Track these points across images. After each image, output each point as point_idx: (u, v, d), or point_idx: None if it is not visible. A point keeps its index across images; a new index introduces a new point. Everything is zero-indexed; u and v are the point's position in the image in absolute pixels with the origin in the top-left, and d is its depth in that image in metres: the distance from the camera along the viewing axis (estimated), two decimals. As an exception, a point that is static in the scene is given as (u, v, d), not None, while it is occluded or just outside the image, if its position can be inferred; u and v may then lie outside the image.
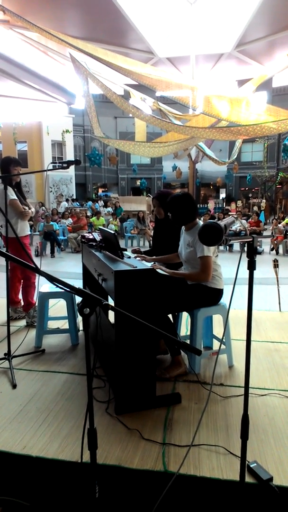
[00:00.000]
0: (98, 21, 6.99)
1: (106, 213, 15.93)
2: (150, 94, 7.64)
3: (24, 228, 3.78)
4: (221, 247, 10.95)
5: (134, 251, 3.20)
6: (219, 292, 2.78)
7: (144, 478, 1.80)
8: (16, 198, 3.61)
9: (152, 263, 2.78)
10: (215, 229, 1.28)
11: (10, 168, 3.60)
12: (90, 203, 20.17)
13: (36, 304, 3.69)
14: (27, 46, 6.68)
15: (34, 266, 1.21)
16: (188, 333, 3.05)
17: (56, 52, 6.90)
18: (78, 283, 3.80)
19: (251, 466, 1.78)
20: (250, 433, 1.54)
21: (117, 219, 14.55)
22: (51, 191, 21.52)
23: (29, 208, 3.80)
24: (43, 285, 3.49)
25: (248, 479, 1.70)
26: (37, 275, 3.58)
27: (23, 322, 3.85)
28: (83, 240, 3.52)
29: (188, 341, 2.93)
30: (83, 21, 7.08)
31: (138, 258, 2.80)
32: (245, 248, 1.43)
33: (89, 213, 15.80)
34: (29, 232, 3.91)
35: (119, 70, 4.83)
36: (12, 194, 3.59)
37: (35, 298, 3.70)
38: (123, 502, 1.82)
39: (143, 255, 3.06)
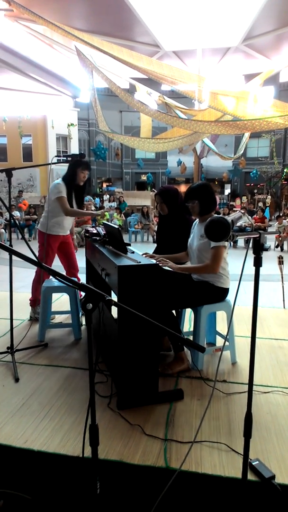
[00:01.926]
0: (104, 14, 6.91)
1: (108, 208, 15.90)
2: (156, 87, 7.57)
3: (57, 227, 3.63)
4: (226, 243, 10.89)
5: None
6: (225, 291, 2.76)
7: (145, 474, 1.80)
8: (65, 195, 3.50)
9: (160, 259, 2.74)
10: (222, 224, 1.25)
11: (77, 170, 3.52)
12: (97, 199, 20.12)
13: None
14: (33, 39, 6.64)
15: (36, 260, 1.19)
16: (192, 329, 3.04)
17: (61, 45, 6.84)
18: (82, 278, 3.81)
19: (253, 463, 1.77)
20: (252, 430, 1.53)
21: (121, 214, 14.53)
22: (55, 185, 21.50)
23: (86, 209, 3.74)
24: (46, 279, 3.49)
25: (250, 476, 1.69)
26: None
27: (28, 316, 3.85)
28: (87, 234, 3.50)
29: (191, 337, 2.91)
30: (89, 13, 7.01)
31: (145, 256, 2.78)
32: (251, 244, 1.40)
33: (93, 208, 15.78)
34: (63, 234, 3.73)
35: (125, 63, 4.78)
36: (61, 191, 3.49)
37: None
38: (124, 498, 1.82)
39: (151, 254, 3.01)
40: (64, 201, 3.52)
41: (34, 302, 3.78)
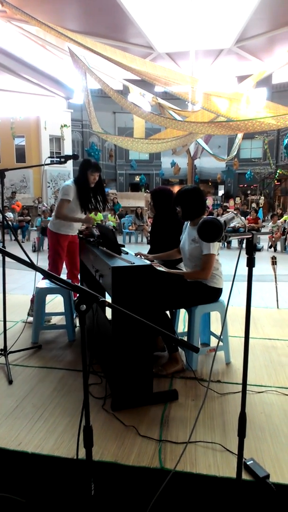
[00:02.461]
0: (97, 15, 6.92)
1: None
2: (149, 89, 7.59)
3: (66, 227, 3.61)
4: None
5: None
6: (218, 291, 2.77)
7: (140, 475, 1.80)
8: (69, 199, 3.46)
9: (153, 261, 2.76)
10: (215, 225, 1.26)
11: (87, 172, 3.48)
12: None
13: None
14: (25, 40, 6.62)
15: (30, 262, 1.19)
16: (186, 329, 3.05)
17: (54, 46, 6.83)
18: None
19: (247, 463, 1.77)
20: (247, 430, 1.53)
21: (115, 215, 14.51)
22: (49, 187, 21.44)
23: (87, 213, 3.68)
24: (39, 281, 3.47)
25: (244, 476, 1.70)
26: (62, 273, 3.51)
27: (22, 318, 3.83)
28: (81, 236, 3.50)
29: (185, 338, 2.92)
30: (82, 15, 7.01)
31: (138, 256, 2.78)
32: (244, 245, 1.41)
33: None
34: (72, 234, 3.71)
35: (118, 64, 4.79)
36: (67, 194, 3.45)
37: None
38: (119, 499, 1.82)
39: (144, 254, 3.02)
40: (62, 204, 3.49)
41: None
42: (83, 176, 3.50)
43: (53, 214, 3.72)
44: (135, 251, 2.92)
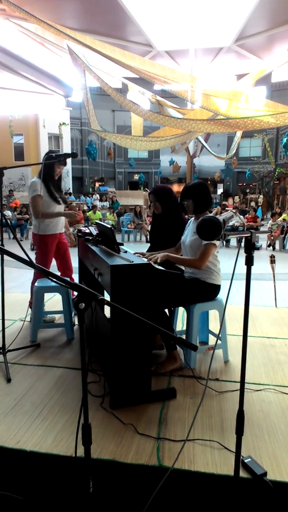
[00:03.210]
0: (96, 13, 6.89)
1: (101, 207, 15.87)
2: (148, 87, 7.57)
3: (52, 226, 3.59)
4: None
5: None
6: (217, 288, 2.78)
7: (138, 473, 1.80)
8: (39, 193, 3.41)
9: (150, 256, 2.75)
10: (214, 224, 1.26)
11: (55, 165, 3.46)
12: (88, 198, 20.07)
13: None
14: (24, 37, 6.59)
15: (28, 260, 1.19)
16: (184, 328, 3.05)
17: (53, 44, 6.81)
18: (74, 278, 3.79)
19: (245, 461, 1.78)
20: (244, 428, 1.54)
21: (114, 213, 14.51)
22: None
23: (66, 204, 3.63)
24: (38, 279, 3.47)
25: (242, 474, 1.71)
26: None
27: (20, 316, 3.83)
28: (80, 234, 3.49)
29: (184, 336, 2.92)
30: (81, 12, 6.98)
31: (137, 255, 2.78)
32: (243, 244, 1.42)
33: (85, 208, 15.75)
34: (60, 231, 3.70)
35: (117, 62, 4.78)
36: (36, 189, 3.42)
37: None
38: (118, 497, 1.82)
39: (142, 252, 3.01)
40: (37, 201, 3.42)
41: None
42: (50, 168, 3.47)
43: (32, 217, 3.65)
44: (134, 250, 2.92)
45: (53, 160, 3.19)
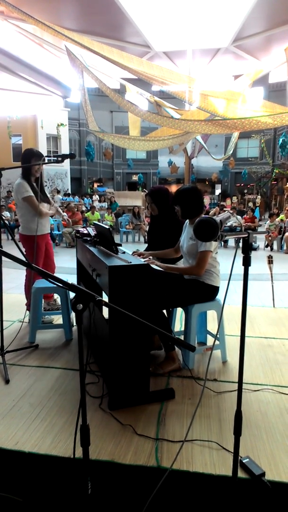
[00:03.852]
0: (94, 14, 6.90)
1: (99, 208, 15.87)
2: (146, 88, 7.58)
3: (41, 226, 3.60)
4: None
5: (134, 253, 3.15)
6: (215, 290, 2.78)
7: (137, 474, 1.80)
8: (31, 194, 3.45)
9: (148, 258, 2.77)
10: (211, 225, 1.27)
11: (32, 161, 3.45)
12: (86, 199, 20.08)
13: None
14: (22, 38, 6.60)
15: (26, 261, 1.19)
16: (183, 328, 3.05)
17: (51, 44, 6.81)
18: (73, 278, 3.78)
19: (243, 461, 1.78)
20: (243, 428, 1.54)
21: (112, 214, 14.50)
22: (46, 185, 21.39)
23: (51, 205, 3.68)
24: (36, 280, 3.47)
25: (240, 474, 1.71)
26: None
27: (18, 317, 3.82)
28: (78, 235, 3.49)
29: (182, 337, 2.93)
30: (79, 13, 6.99)
31: (135, 255, 2.79)
32: (240, 244, 1.42)
33: (84, 208, 15.74)
34: (48, 231, 3.73)
35: (115, 63, 4.78)
36: (27, 190, 3.45)
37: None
38: (116, 497, 1.82)
39: (140, 252, 3.02)
40: (33, 200, 3.46)
41: (30, 307, 3.74)
42: (28, 166, 3.47)
43: (20, 219, 3.61)
44: (132, 250, 2.93)
45: (50, 162, 3.20)
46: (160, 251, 3.06)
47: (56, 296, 4.00)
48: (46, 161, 3.10)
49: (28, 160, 3.48)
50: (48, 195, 3.80)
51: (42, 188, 3.69)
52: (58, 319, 3.71)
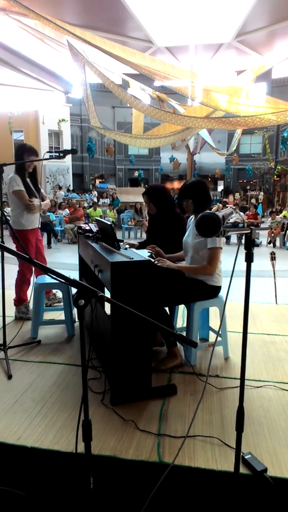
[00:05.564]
0: (96, 9, 6.85)
1: (101, 204, 15.87)
2: (149, 84, 7.54)
3: (31, 221, 3.63)
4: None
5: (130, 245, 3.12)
6: (217, 289, 2.76)
7: (139, 469, 1.81)
8: (22, 188, 3.49)
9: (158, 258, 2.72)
10: (213, 220, 1.26)
11: (24, 156, 3.48)
12: (86, 195, 20.09)
13: (29, 300, 3.67)
14: (24, 33, 6.55)
15: (28, 257, 1.18)
16: (185, 325, 3.05)
17: (53, 39, 6.77)
18: (75, 274, 3.79)
19: (245, 457, 1.78)
20: (245, 424, 1.54)
21: (114, 210, 14.49)
22: (48, 182, 21.37)
23: (43, 200, 3.70)
24: (39, 276, 3.47)
25: (242, 470, 1.71)
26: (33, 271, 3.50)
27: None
28: (80, 231, 3.49)
29: (184, 333, 2.93)
30: (81, 8, 6.94)
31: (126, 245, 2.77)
32: (243, 241, 1.41)
33: (86, 204, 15.74)
34: (38, 226, 3.75)
35: (117, 58, 4.75)
36: (17, 184, 3.47)
37: (30, 293, 3.66)
38: (118, 493, 1.83)
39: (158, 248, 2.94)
40: (23, 195, 3.49)
41: (18, 302, 3.74)
42: (21, 160, 3.49)
43: (11, 214, 3.64)
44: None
45: (52, 157, 3.20)
46: (172, 255, 2.95)
47: (55, 290, 4.00)
48: (48, 156, 3.09)
49: (21, 155, 3.52)
50: (42, 191, 3.81)
51: (35, 183, 3.71)
52: (60, 315, 3.72)
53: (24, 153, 3.51)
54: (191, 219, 2.86)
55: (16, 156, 3.53)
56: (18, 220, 3.57)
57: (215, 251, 2.58)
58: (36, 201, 3.63)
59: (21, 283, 3.71)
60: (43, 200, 3.75)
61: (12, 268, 3.74)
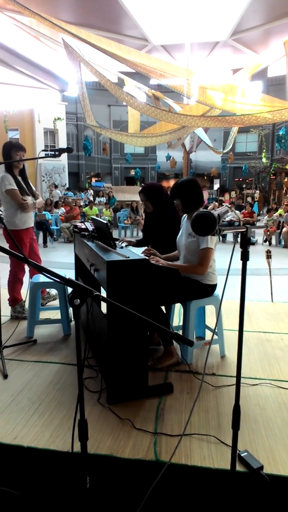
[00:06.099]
0: (92, 7, 6.83)
1: (97, 203, 15.84)
2: (145, 82, 7.53)
3: (24, 220, 3.59)
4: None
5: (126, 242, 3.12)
6: (212, 287, 2.76)
7: (135, 468, 1.81)
8: (15, 187, 3.44)
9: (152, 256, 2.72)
10: (208, 219, 1.26)
11: (11, 154, 3.42)
12: (81, 194, 20.05)
13: (24, 299, 3.66)
14: (18, 31, 6.52)
15: (22, 256, 1.18)
16: (181, 323, 3.05)
17: (48, 37, 6.74)
18: (71, 273, 3.77)
19: (242, 455, 1.79)
20: (241, 422, 1.54)
21: (111, 209, 14.47)
22: (44, 180, 21.29)
23: (36, 198, 3.66)
24: (34, 275, 3.46)
25: (239, 468, 1.72)
26: (26, 271, 3.50)
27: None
28: (76, 230, 3.48)
29: (180, 332, 2.93)
30: (77, 6, 6.91)
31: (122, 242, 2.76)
32: (238, 239, 1.41)
33: (82, 203, 15.70)
34: (32, 225, 3.71)
35: (113, 56, 4.74)
36: (10, 183, 3.43)
37: (25, 292, 3.64)
38: (115, 491, 1.83)
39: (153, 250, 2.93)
40: (16, 193, 3.44)
41: (13, 302, 3.71)
42: (10, 159, 3.44)
43: (4, 214, 3.58)
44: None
45: (47, 156, 3.18)
46: (168, 255, 2.95)
47: (48, 289, 3.99)
48: (43, 155, 3.08)
49: (8, 153, 3.45)
50: (33, 188, 3.76)
51: (26, 180, 3.67)
52: (56, 314, 3.71)
53: (12, 150, 3.44)
54: (184, 218, 2.85)
55: (4, 155, 3.46)
56: (11, 220, 3.52)
57: (207, 252, 2.58)
58: (29, 199, 3.59)
59: (14, 282, 3.68)
60: (35, 197, 3.72)
61: (6, 267, 3.73)
